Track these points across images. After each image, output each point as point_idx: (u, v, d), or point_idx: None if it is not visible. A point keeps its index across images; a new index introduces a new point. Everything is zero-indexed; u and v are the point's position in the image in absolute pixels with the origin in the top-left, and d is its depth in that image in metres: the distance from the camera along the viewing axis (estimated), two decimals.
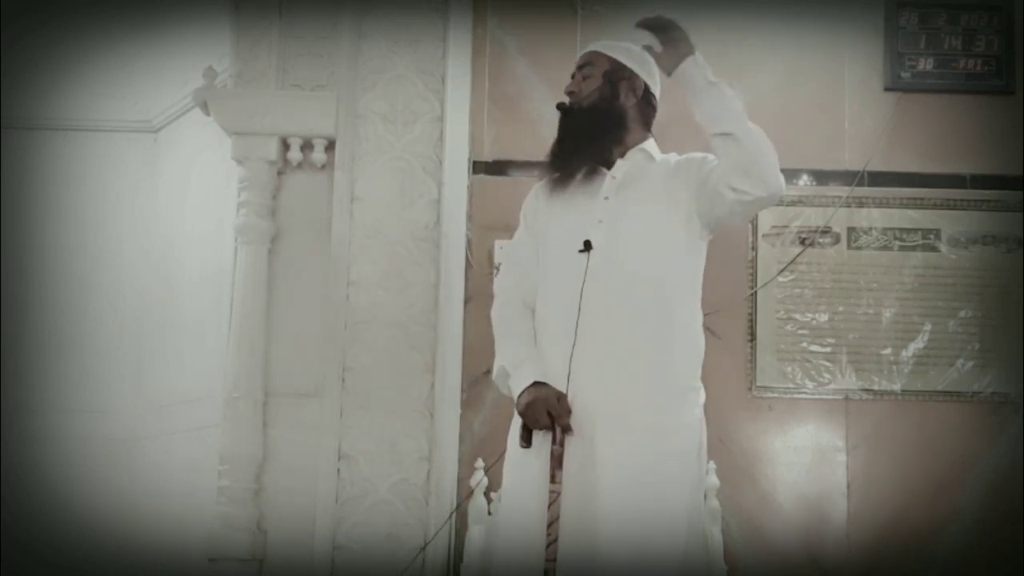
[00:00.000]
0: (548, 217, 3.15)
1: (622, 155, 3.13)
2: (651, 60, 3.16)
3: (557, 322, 3.01)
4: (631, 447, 2.90)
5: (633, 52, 3.19)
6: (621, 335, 2.98)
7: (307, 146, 4.02)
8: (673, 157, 3.18)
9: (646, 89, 3.18)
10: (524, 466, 2.97)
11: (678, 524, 2.92)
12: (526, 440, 2.94)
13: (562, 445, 2.90)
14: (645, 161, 3.15)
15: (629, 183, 3.10)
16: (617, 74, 3.16)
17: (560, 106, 3.18)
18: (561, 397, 2.93)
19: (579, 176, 3.11)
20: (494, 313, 3.17)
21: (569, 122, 3.16)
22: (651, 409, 2.94)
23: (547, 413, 2.90)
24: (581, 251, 3.01)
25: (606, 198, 3.09)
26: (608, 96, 3.14)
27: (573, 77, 3.21)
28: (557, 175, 3.15)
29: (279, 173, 4.04)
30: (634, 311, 2.98)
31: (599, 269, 2.99)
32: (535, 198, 3.23)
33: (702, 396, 3.05)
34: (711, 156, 3.07)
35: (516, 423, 3.02)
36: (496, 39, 4.38)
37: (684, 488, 2.96)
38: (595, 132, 3.12)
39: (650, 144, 3.19)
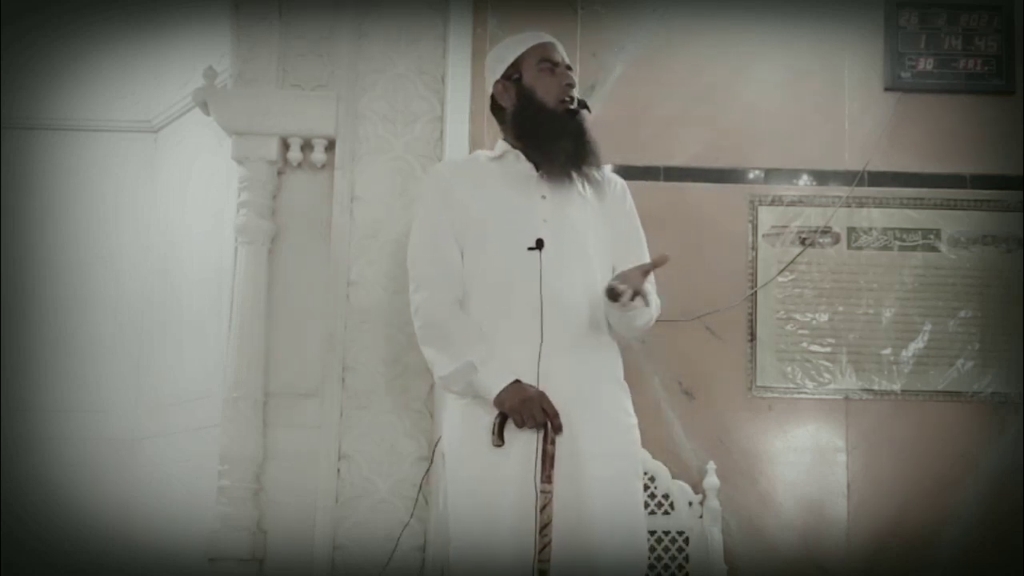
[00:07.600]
0: (474, 202, 3.07)
1: None
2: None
3: (519, 322, 2.98)
4: (609, 442, 2.93)
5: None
6: (583, 333, 2.99)
7: (307, 146, 4.02)
8: None
9: None
10: (494, 466, 2.91)
11: (643, 518, 3.02)
12: (500, 438, 2.89)
13: (553, 444, 2.88)
14: None
15: (560, 184, 3.08)
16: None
17: (583, 103, 3.13)
18: (546, 396, 2.92)
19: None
20: (427, 307, 3.05)
21: (584, 120, 3.13)
22: (614, 405, 3.00)
23: (542, 411, 2.89)
24: (532, 248, 2.97)
25: (543, 197, 3.06)
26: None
27: (569, 68, 3.19)
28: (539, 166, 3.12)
29: (279, 173, 4.04)
30: (589, 309, 3.01)
31: (552, 268, 2.97)
32: (448, 176, 3.14)
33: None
34: (623, 191, 3.17)
35: (479, 420, 2.94)
36: (496, 39, 4.36)
37: (640, 482, 3.06)
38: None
39: None
